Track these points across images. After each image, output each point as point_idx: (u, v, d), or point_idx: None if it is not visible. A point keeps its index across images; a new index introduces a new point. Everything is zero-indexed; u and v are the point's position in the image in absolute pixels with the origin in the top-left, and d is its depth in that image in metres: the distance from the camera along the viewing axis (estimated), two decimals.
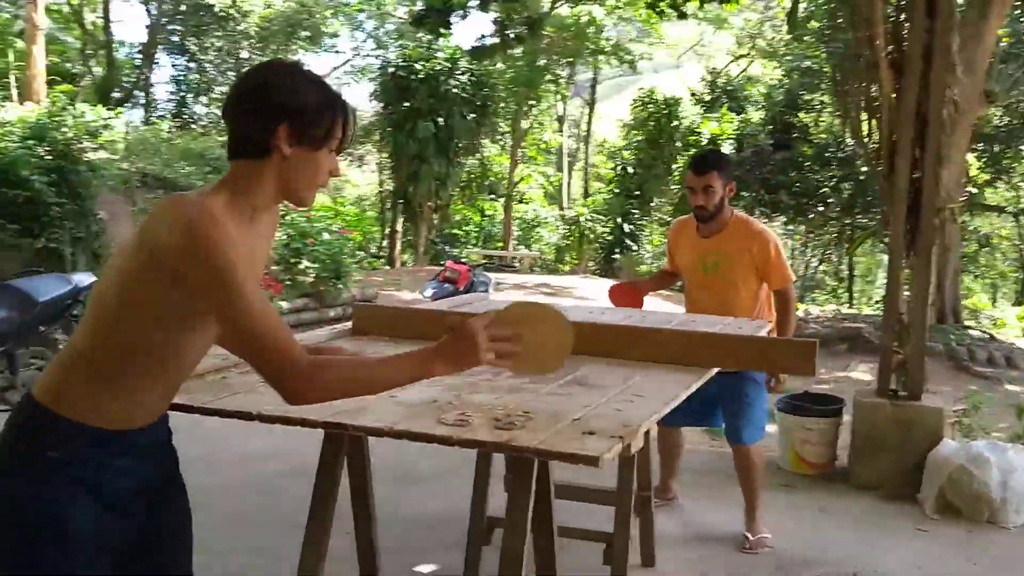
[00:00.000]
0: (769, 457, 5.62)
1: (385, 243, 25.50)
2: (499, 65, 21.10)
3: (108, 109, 12.04)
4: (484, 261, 22.59)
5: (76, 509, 1.66)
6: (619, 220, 22.54)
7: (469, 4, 12.10)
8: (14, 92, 13.70)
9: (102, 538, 1.71)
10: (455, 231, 28.69)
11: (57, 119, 9.24)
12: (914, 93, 4.69)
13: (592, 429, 2.10)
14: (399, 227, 23.66)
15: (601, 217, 23.38)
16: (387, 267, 23.07)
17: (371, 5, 22.57)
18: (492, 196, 27.22)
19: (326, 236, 11.03)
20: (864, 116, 5.18)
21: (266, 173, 1.73)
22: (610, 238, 22.78)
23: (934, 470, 4.56)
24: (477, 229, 28.70)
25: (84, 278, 5.66)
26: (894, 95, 4.88)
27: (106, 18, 22.02)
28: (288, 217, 10.48)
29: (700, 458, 5.38)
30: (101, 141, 9.84)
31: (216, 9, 19.10)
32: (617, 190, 23.44)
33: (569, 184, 30.66)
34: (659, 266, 4.46)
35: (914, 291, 4.97)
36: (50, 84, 17.32)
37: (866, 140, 5.25)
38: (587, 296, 15.91)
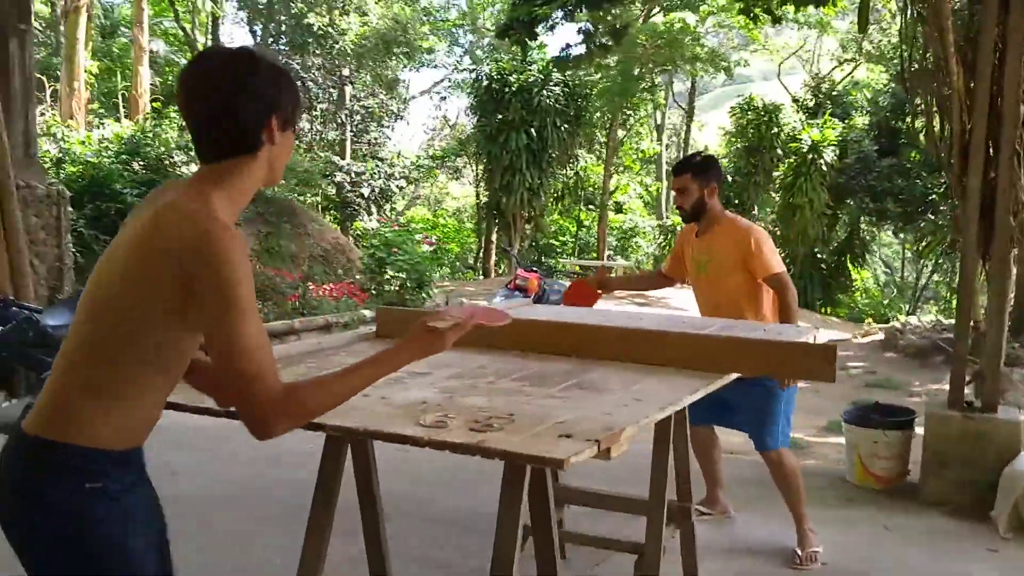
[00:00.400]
0: (836, 470, 5.42)
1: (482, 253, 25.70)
2: (593, 75, 21.08)
3: None
4: (577, 270, 22.52)
5: (129, 537, 1.66)
6: None
7: (554, 15, 12.00)
8: (122, 110, 14.38)
9: (149, 561, 1.72)
10: (551, 241, 28.73)
11: (150, 135, 9.66)
12: (987, 88, 4.44)
13: (571, 432, 2.04)
14: (493, 238, 23.78)
15: None
16: (481, 277, 23.28)
17: (466, 20, 22.85)
18: (591, 206, 27.11)
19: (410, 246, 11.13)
20: (936, 112, 4.93)
21: (256, 166, 1.70)
22: None
23: (1009, 486, 4.28)
24: (573, 239, 28.67)
25: None
26: (965, 90, 4.62)
27: (215, 40, 22.93)
28: (374, 228, 10.67)
29: (749, 468, 5.19)
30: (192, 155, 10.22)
31: (315, 28, 19.65)
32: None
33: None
34: None
35: (990, 297, 4.69)
36: (163, 103, 18.20)
37: (938, 139, 4.99)
38: (680, 306, 15.67)
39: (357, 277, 11.58)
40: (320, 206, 23.00)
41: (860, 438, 4.91)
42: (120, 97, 15.51)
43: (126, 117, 14.18)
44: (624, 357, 2.84)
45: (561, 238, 29.79)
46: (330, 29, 19.58)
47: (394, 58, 21.49)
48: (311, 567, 2.60)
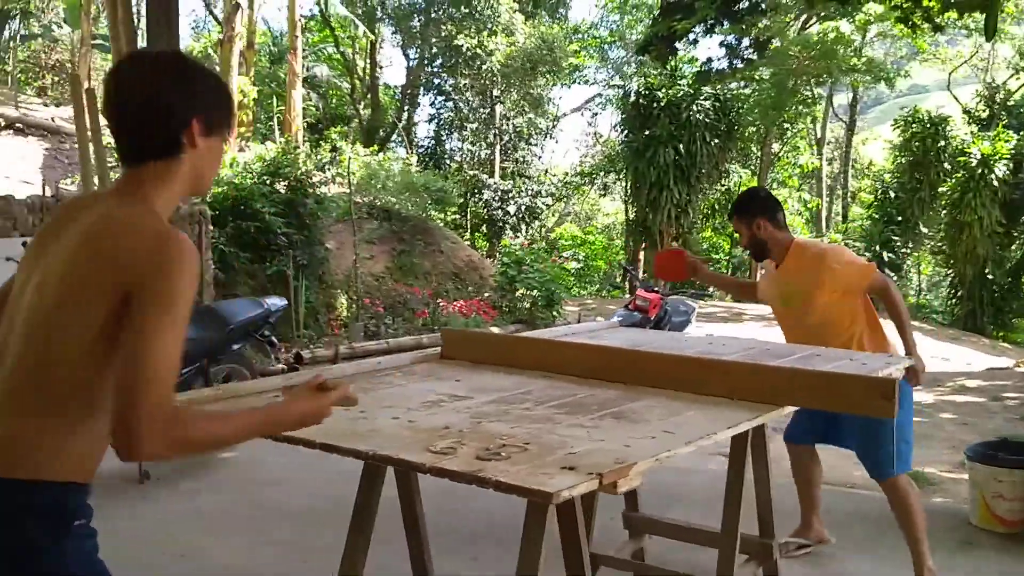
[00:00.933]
0: (961, 510, 5.01)
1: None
2: (746, 88, 20.61)
3: (379, 149, 12.95)
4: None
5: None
6: (878, 248, 21.09)
7: (695, 30, 11.82)
8: (276, 132, 15.14)
9: None
10: (702, 259, 28.10)
11: (290, 156, 10.11)
12: None
13: (576, 465, 1.96)
14: (641, 256, 23.52)
15: (858, 244, 21.98)
16: (627, 295, 23.06)
17: (614, 36, 22.83)
18: None
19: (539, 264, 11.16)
20: None
21: (181, 171, 1.66)
22: None
23: None
24: (726, 257, 27.99)
25: (276, 302, 6.13)
26: None
27: (372, 64, 23.86)
28: (504, 246, 10.75)
29: (868, 503, 4.86)
30: (331, 174, 10.65)
31: (464, 49, 20.10)
32: (877, 215, 21.99)
33: (829, 210, 29.14)
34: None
35: None
36: (317, 126, 19.07)
37: None
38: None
39: (486, 295, 11.72)
40: (468, 224, 23.47)
41: (984, 477, 4.52)
42: (275, 120, 16.37)
43: (281, 139, 14.98)
44: (676, 386, 2.72)
45: (714, 256, 29.16)
46: (478, 50, 19.97)
47: (541, 77, 21.67)
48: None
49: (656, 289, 7.89)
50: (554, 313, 11.30)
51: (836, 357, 3.43)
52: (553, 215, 33.13)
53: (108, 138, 8.69)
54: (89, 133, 7.39)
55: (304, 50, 27.85)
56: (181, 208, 7.96)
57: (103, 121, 7.97)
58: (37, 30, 21.48)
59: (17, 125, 11.89)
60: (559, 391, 2.75)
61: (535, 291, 11.10)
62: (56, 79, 19.31)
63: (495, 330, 10.08)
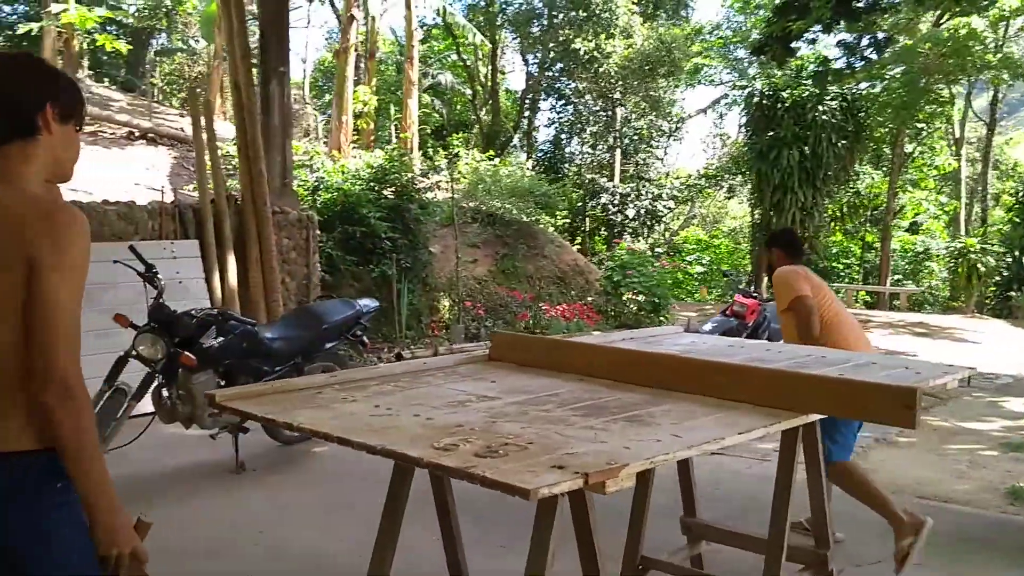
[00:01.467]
0: None
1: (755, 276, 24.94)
2: (875, 88, 19.85)
3: (497, 154, 13.15)
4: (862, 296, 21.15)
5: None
6: (1017, 253, 19.96)
7: (812, 29, 11.50)
8: (394, 139, 15.57)
9: None
10: (832, 264, 27.23)
11: (397, 163, 10.41)
12: None
13: (567, 464, 2.01)
14: (764, 260, 22.97)
15: (996, 250, 20.84)
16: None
17: (737, 37, 22.41)
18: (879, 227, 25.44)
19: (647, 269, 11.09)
20: None
21: (38, 153, 1.85)
22: (1006, 273, 20.22)
23: None
24: (858, 262, 27.02)
25: (368, 303, 6.34)
26: None
27: (493, 70, 24.20)
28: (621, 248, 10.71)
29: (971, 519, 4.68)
30: (435, 180, 10.89)
31: (581, 53, 20.13)
32: (1018, 219, 20.81)
33: (969, 213, 27.69)
34: None
35: None
36: (441, 132, 19.48)
37: None
38: (971, 339, 14.31)
39: (589, 299, 11.73)
40: (586, 227, 23.47)
41: None
42: (393, 128, 16.86)
43: (398, 146, 15.45)
44: (702, 391, 2.73)
45: (845, 260, 28.18)
46: (596, 53, 19.97)
47: (660, 78, 21.47)
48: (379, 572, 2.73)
49: (755, 295, 7.73)
50: (661, 318, 11.21)
51: (892, 366, 3.34)
52: (677, 218, 32.76)
53: (223, 147, 9.24)
54: (205, 142, 7.84)
55: (429, 58, 28.53)
56: (290, 214, 8.36)
57: (218, 131, 8.44)
58: (179, 44, 22.76)
59: (150, 135, 12.71)
60: (587, 394, 2.79)
61: (641, 296, 11.04)
62: (167, 88, 20.48)
63: (596, 334, 10.10)
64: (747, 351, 3.71)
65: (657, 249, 27.58)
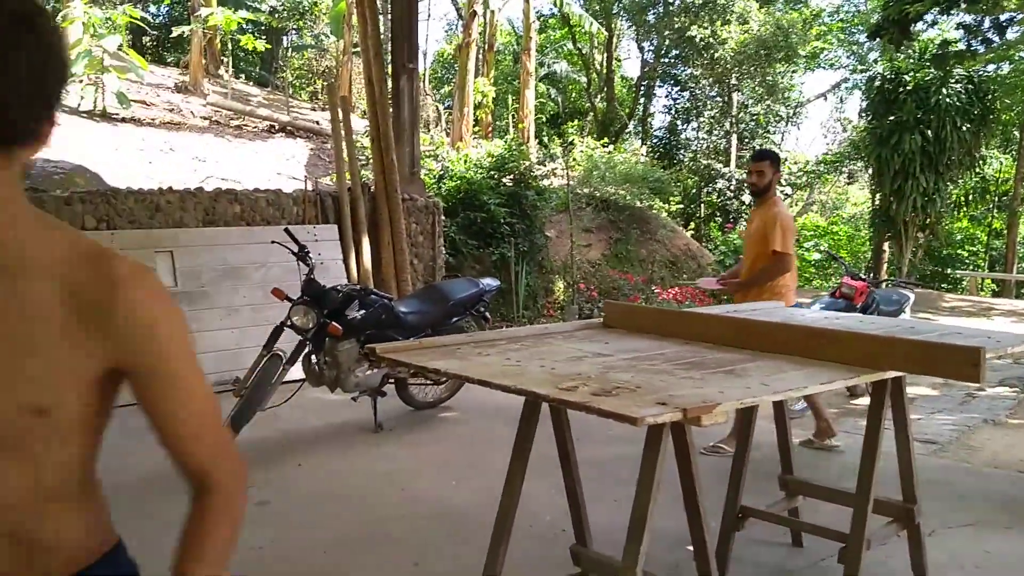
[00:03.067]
0: None
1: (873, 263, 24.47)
2: (1003, 69, 19.26)
3: (612, 141, 13.47)
4: (988, 283, 20.49)
5: None
6: None
7: (932, 10, 11.39)
8: (511, 129, 16.08)
9: None
10: (957, 251, 26.45)
11: (515, 152, 10.92)
12: None
13: (669, 401, 2.44)
14: (885, 247, 22.53)
15: None
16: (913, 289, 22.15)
17: (857, 20, 22.01)
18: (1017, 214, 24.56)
19: None
20: None
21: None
22: None
23: None
24: (984, 248, 26.15)
25: (490, 282, 6.87)
26: None
27: (608, 58, 24.47)
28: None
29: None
30: (552, 168, 11.34)
31: (697, 39, 20.22)
32: None
33: None
34: None
35: None
36: (556, 120, 19.87)
37: None
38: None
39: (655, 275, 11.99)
40: (701, 213, 23.50)
41: None
42: (511, 118, 17.38)
43: (515, 135, 15.96)
44: (793, 351, 3.10)
45: (971, 247, 27.30)
46: (712, 40, 20.03)
47: (777, 63, 21.33)
48: (508, 505, 3.22)
49: (863, 277, 7.88)
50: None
51: (974, 335, 3.63)
52: (796, 204, 32.25)
53: (357, 139, 9.92)
54: (343, 134, 8.53)
55: (546, 47, 28.96)
56: (418, 201, 8.99)
57: (355, 124, 9.11)
58: (309, 40, 23.87)
59: (288, 128, 13.62)
60: (689, 353, 3.21)
61: None
62: (324, 85, 21.49)
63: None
64: (842, 322, 4.06)
65: None
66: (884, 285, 8.66)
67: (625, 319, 3.83)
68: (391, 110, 8.80)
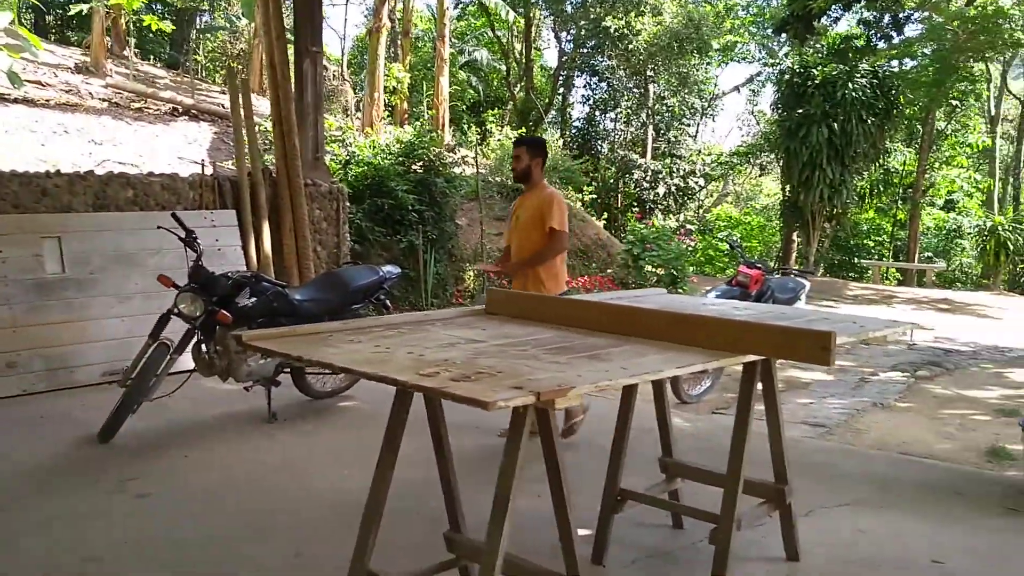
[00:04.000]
0: None
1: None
2: (906, 64, 19.89)
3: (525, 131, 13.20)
4: (892, 272, 21.23)
5: None
6: None
7: (833, 6, 11.68)
8: (427, 115, 15.98)
9: None
10: (864, 241, 27.28)
11: (425, 139, 10.85)
12: None
13: (524, 385, 2.44)
14: (795, 236, 23.11)
15: None
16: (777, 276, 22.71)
17: (764, 14, 22.47)
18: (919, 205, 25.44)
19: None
20: None
21: None
22: None
23: None
24: (889, 239, 27.05)
25: (391, 270, 6.81)
26: None
27: (527, 47, 24.49)
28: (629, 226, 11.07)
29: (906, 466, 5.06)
30: (462, 155, 11.31)
31: (612, 30, 20.38)
32: None
33: (1004, 191, 27.57)
34: None
35: None
36: (477, 108, 19.77)
37: None
38: (993, 315, 14.53)
39: (608, 271, 12.07)
40: (619, 203, 23.74)
41: None
42: (424, 104, 17.28)
43: (431, 123, 15.85)
44: (661, 336, 3.15)
45: (877, 237, 28.22)
46: (626, 31, 20.21)
47: (689, 55, 21.66)
48: (377, 493, 3.19)
49: (759, 265, 8.05)
50: (680, 290, 11.57)
51: (840, 320, 3.74)
52: (711, 196, 32.87)
53: (261, 123, 9.74)
54: (242, 117, 8.35)
55: (467, 35, 28.84)
56: (322, 186, 8.86)
57: (258, 107, 8.91)
58: (223, 22, 23.32)
59: (192, 111, 13.29)
60: (561, 339, 3.23)
61: (660, 269, 11.41)
62: (238, 67, 21.03)
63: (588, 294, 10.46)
64: (717, 308, 4.13)
65: (689, 225, 27.81)
66: (777, 273, 8.85)
67: (506, 306, 3.85)
68: (294, 94, 8.66)
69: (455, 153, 11.09)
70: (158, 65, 18.40)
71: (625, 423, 3.97)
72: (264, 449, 5.46)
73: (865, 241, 27.23)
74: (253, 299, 5.82)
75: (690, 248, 12.43)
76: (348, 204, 9.06)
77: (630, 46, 20.34)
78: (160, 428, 5.80)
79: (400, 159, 10.44)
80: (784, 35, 12.89)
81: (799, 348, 2.84)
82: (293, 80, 8.75)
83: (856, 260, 26.22)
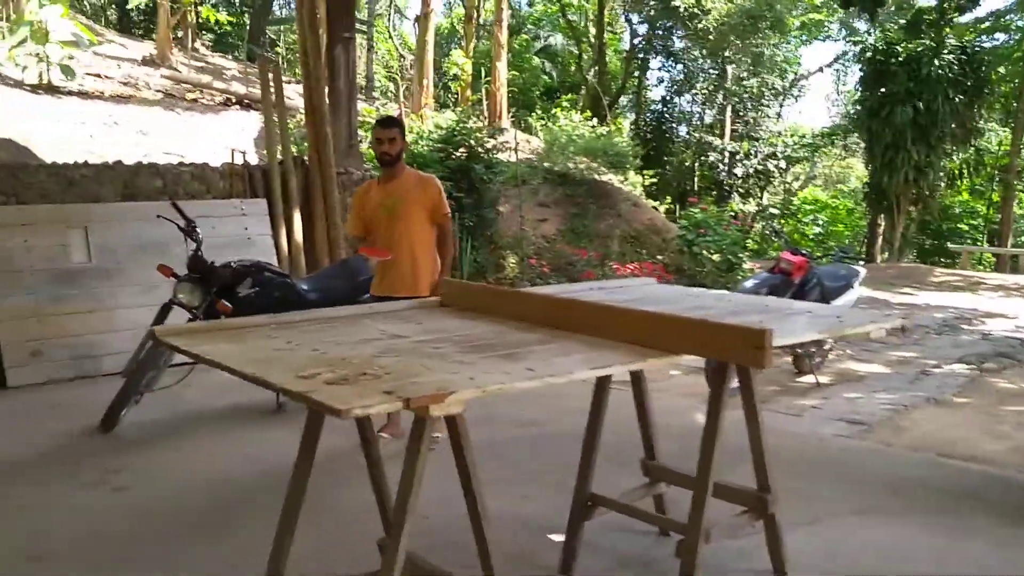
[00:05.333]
0: None
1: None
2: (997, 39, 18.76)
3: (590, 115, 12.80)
4: (988, 258, 20.01)
5: None
6: None
7: None
8: (485, 102, 15.79)
9: None
10: (957, 225, 26.03)
11: (465, 125, 10.64)
12: None
13: (397, 390, 2.22)
14: (881, 221, 22.15)
15: None
16: (860, 263, 21.74)
17: None
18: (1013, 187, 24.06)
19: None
20: None
21: None
22: None
23: None
24: (984, 222, 25.71)
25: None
26: None
27: (599, 30, 24.04)
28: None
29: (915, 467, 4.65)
30: (502, 140, 11.07)
31: (681, 9, 19.81)
32: None
33: None
34: None
35: None
36: (553, 94, 19.43)
37: None
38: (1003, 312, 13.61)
39: (659, 258, 11.68)
40: (696, 187, 23.16)
41: None
42: (483, 91, 17.09)
43: (487, 111, 15.67)
44: (597, 332, 2.88)
45: (970, 221, 26.87)
46: (696, 9, 19.61)
47: (767, 34, 20.90)
48: (292, 499, 3.03)
49: (804, 252, 7.58)
50: (738, 276, 11.11)
51: (823, 314, 3.40)
52: (797, 178, 31.87)
53: (298, 112, 9.68)
54: (273, 105, 8.31)
55: (542, 20, 28.55)
56: (354, 174, 8.76)
57: (286, 95, 8.86)
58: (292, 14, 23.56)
59: (244, 101, 13.41)
60: (493, 334, 2.99)
61: (716, 255, 10.97)
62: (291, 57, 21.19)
63: (559, 285, 10.08)
64: (698, 299, 3.81)
65: (772, 209, 26.98)
66: (825, 260, 8.38)
67: (460, 298, 3.63)
68: (326, 81, 8.58)
69: (495, 139, 10.81)
70: (229, 58, 18.68)
71: (596, 421, 3.71)
72: (256, 442, 5.36)
73: (959, 225, 25.93)
74: (255, 289, 5.73)
75: (742, 233, 11.82)
76: None
77: (700, 25, 19.72)
78: (163, 419, 5.78)
79: (440, 145, 10.27)
80: (851, 9, 12.21)
81: (728, 346, 2.54)
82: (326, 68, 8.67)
83: (950, 244, 25.02)
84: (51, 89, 11.35)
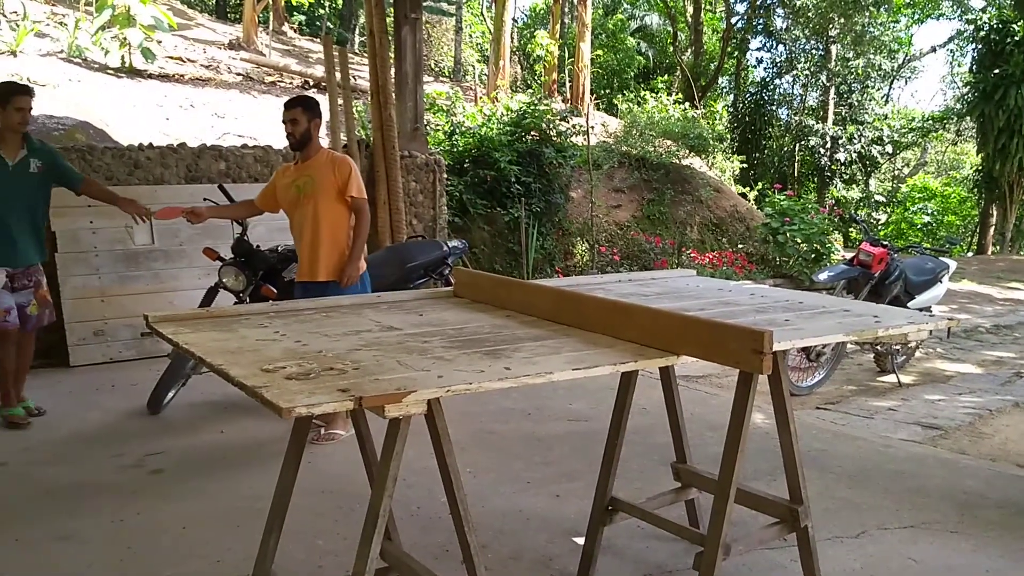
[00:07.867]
0: None
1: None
2: None
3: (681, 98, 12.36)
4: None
5: None
6: None
7: None
8: (567, 86, 15.47)
9: None
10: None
11: (537, 107, 10.38)
12: None
13: (352, 388, 2.07)
14: (993, 210, 20.96)
15: None
16: (970, 254, 20.63)
17: None
18: None
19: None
20: None
21: None
22: None
23: None
24: None
25: (457, 244, 6.50)
26: None
27: (696, 9, 23.36)
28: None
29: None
30: (574, 124, 10.77)
31: None
32: None
33: None
34: None
35: None
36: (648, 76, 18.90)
37: None
38: None
39: (739, 246, 11.19)
40: (795, 172, 22.36)
41: None
42: (566, 72, 16.76)
43: (571, 93, 15.35)
44: (600, 328, 2.68)
45: None
46: None
47: (874, 12, 19.92)
48: (280, 497, 2.91)
49: (885, 244, 7.12)
50: (824, 266, 10.59)
51: (858, 312, 3.09)
52: (908, 164, 30.55)
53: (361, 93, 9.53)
54: (337, 88, 8.25)
55: (638, 0, 27.96)
56: (418, 158, 8.64)
57: (352, 78, 8.77)
58: None
59: (323, 84, 13.44)
60: (490, 328, 2.81)
61: (803, 244, 10.46)
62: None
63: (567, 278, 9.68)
64: (729, 295, 3.54)
65: (877, 197, 25.85)
66: (912, 252, 7.88)
67: (470, 288, 3.45)
68: (392, 63, 8.47)
69: (567, 122, 10.50)
70: (317, 41, 18.85)
71: (619, 420, 3.49)
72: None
73: None
74: None
75: (830, 221, 11.20)
76: (446, 176, 8.78)
77: (797, 3, 18.91)
78: (213, 401, 5.79)
79: (509, 128, 10.05)
80: None
81: (726, 349, 2.29)
82: (392, 49, 8.56)
83: None
84: (133, 72, 11.60)
